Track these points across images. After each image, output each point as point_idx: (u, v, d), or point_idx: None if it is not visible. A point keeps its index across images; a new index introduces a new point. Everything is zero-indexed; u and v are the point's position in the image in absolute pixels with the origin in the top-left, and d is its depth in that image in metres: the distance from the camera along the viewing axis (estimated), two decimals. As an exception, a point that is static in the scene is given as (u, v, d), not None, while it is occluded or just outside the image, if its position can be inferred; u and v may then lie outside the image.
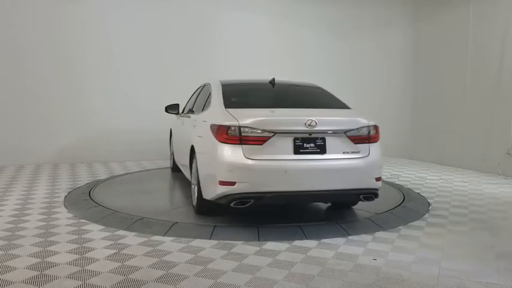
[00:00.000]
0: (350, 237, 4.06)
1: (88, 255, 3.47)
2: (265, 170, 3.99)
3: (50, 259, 3.37)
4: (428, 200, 5.63)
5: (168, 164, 7.86)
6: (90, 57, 8.44)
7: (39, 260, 3.36)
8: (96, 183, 6.30)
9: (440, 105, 9.30)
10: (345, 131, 4.23)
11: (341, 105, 4.87)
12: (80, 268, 3.20)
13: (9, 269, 3.16)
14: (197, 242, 3.83)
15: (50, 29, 8.17)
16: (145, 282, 2.98)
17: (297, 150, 4.08)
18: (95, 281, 2.97)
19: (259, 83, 5.43)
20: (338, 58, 9.89)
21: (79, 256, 3.44)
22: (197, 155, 4.62)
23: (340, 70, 9.81)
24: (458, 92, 8.76)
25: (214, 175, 4.07)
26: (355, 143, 4.25)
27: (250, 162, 3.95)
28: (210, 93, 5.10)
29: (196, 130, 4.87)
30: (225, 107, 4.44)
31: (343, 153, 4.21)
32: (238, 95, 4.96)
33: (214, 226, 4.19)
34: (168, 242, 3.83)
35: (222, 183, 3.98)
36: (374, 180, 4.30)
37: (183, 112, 6.40)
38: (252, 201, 4.01)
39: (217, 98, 4.74)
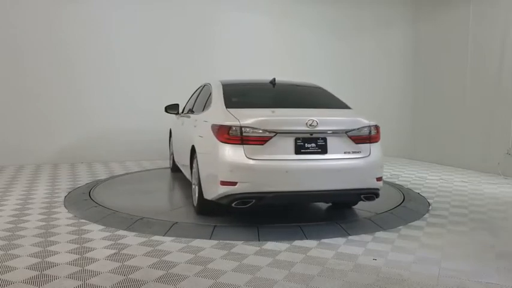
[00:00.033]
0: (350, 237, 4.06)
1: (88, 255, 3.47)
2: (266, 170, 3.99)
3: (50, 259, 3.37)
4: (428, 200, 5.63)
5: (167, 164, 7.86)
6: (90, 57, 8.44)
7: (39, 260, 3.36)
8: (96, 183, 6.30)
9: (440, 105, 9.30)
10: (346, 131, 4.23)
11: (342, 105, 4.87)
12: (80, 268, 3.20)
13: (9, 269, 3.16)
14: (197, 242, 3.83)
15: (50, 29, 8.17)
16: (145, 282, 2.98)
17: (298, 150, 4.08)
18: (95, 281, 2.97)
19: (259, 83, 5.43)
20: (338, 58, 9.89)
21: (79, 256, 3.44)
22: (198, 155, 4.62)
23: (340, 70, 9.81)
24: (458, 92, 8.76)
25: (215, 175, 4.06)
26: (356, 143, 4.26)
27: (251, 162, 3.95)
28: (210, 93, 5.09)
29: (197, 130, 4.87)
30: (226, 107, 4.44)
31: (344, 153, 4.21)
32: (239, 95, 4.96)
33: (214, 226, 4.19)
34: (168, 242, 3.82)
35: (224, 183, 3.98)
36: (375, 180, 4.30)
37: (182, 112, 6.40)
38: (254, 201, 4.01)
39: (218, 98, 4.74)
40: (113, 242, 3.79)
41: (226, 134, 4.03)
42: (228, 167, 3.97)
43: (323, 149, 4.14)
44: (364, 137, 4.31)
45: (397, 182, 6.79)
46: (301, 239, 3.97)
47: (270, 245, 3.78)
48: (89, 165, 8.17)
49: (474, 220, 4.74)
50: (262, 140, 4.01)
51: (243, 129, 4.01)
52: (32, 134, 8.16)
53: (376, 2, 10.06)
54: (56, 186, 6.17)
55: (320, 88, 5.40)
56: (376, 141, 4.40)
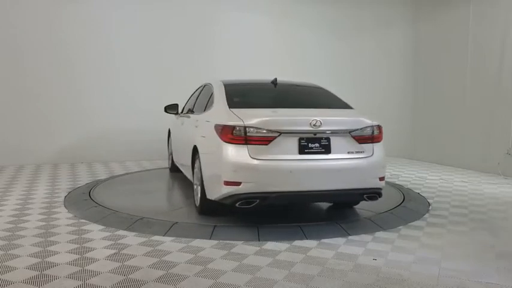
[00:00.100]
0: (350, 237, 4.06)
1: (88, 255, 3.47)
2: (270, 170, 4.00)
3: (50, 259, 3.37)
4: (428, 200, 5.63)
5: (167, 164, 7.85)
6: (90, 57, 8.44)
7: (39, 260, 3.36)
8: (96, 183, 6.30)
9: (440, 105, 9.30)
10: (350, 131, 4.24)
11: (343, 105, 4.89)
12: (80, 268, 3.20)
13: (9, 269, 3.16)
14: (197, 242, 3.83)
15: (50, 29, 8.17)
16: (145, 282, 2.98)
17: (302, 150, 4.09)
18: (95, 281, 2.97)
19: (261, 83, 5.44)
20: (338, 58, 9.89)
21: (79, 256, 3.44)
22: (201, 155, 4.62)
23: (340, 70, 9.80)
24: (458, 92, 8.76)
25: (219, 175, 4.06)
26: (360, 143, 4.27)
27: (255, 162, 3.96)
28: (212, 94, 5.09)
29: (199, 130, 4.87)
30: (229, 107, 4.45)
31: (348, 153, 4.23)
32: (241, 95, 4.96)
33: (214, 226, 4.19)
34: (168, 242, 3.82)
35: (227, 183, 3.98)
36: (378, 180, 4.32)
37: (182, 112, 6.39)
38: (258, 201, 4.01)
39: (220, 98, 4.74)
40: (113, 242, 3.79)
41: (230, 134, 4.03)
42: (232, 167, 3.97)
43: (327, 149, 4.15)
44: (367, 137, 4.32)
45: (397, 182, 6.79)
46: (301, 239, 3.97)
47: (270, 245, 3.78)
48: (89, 165, 8.17)
49: (474, 220, 4.74)
50: (266, 140, 4.02)
51: (247, 129, 4.01)
52: (32, 134, 8.16)
53: (376, 2, 10.06)
54: (56, 186, 6.17)
55: (321, 88, 5.41)
56: (379, 141, 4.42)
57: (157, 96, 8.38)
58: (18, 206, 5.02)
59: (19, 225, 4.28)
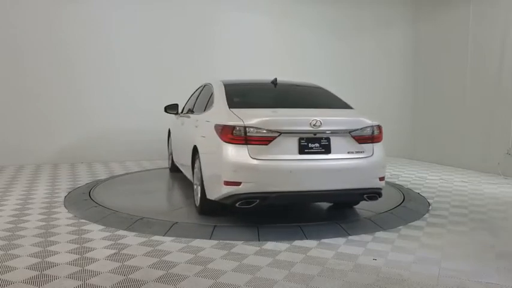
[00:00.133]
0: (350, 237, 4.06)
1: (88, 255, 3.47)
2: (270, 170, 4.00)
3: (50, 259, 3.37)
4: (428, 200, 5.63)
5: (167, 164, 7.84)
6: (90, 57, 8.44)
7: (39, 260, 3.36)
8: (96, 183, 6.30)
9: (440, 105, 9.30)
10: (350, 131, 4.25)
11: (343, 105, 4.89)
12: (80, 268, 3.20)
13: (9, 269, 3.16)
14: (197, 242, 3.83)
15: (50, 29, 8.17)
16: (145, 282, 2.98)
17: (302, 150, 4.09)
18: (95, 281, 2.97)
19: (261, 83, 5.44)
20: (338, 58, 9.89)
21: (79, 256, 3.44)
22: (201, 155, 4.62)
23: (340, 70, 9.80)
24: (458, 92, 8.76)
25: (219, 175, 4.06)
26: (360, 143, 4.27)
27: (255, 162, 3.96)
28: (212, 94, 5.09)
29: (199, 130, 4.87)
30: (229, 107, 4.45)
31: (348, 153, 4.23)
32: (241, 95, 4.96)
33: (214, 226, 4.19)
34: (168, 242, 3.82)
35: (227, 183, 3.98)
36: (378, 179, 4.32)
37: (182, 112, 6.39)
38: (258, 201, 4.01)
39: (220, 98, 4.74)
40: (113, 242, 3.79)
41: (230, 134, 4.03)
42: (232, 167, 3.97)
43: (327, 149, 4.15)
44: (367, 137, 4.32)
45: (397, 182, 6.79)
46: (301, 239, 3.97)
47: (270, 245, 3.78)
48: (89, 165, 8.17)
49: (474, 220, 4.74)
50: (266, 140, 4.02)
51: (247, 129, 4.01)
52: (32, 134, 8.16)
53: (376, 2, 10.05)
54: (56, 186, 6.17)
55: (321, 88, 5.41)
56: (379, 141, 4.42)
57: (157, 96, 8.38)
58: (18, 206, 5.02)
59: (19, 225, 4.28)
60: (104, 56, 8.51)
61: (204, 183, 4.41)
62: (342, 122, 4.34)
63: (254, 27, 9.38)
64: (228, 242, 3.85)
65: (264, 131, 4.02)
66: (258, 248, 3.70)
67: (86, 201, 5.21)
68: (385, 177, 4.49)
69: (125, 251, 3.57)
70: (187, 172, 5.66)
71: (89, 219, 4.50)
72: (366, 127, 4.34)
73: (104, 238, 3.91)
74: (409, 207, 5.14)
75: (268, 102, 4.90)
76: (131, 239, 3.89)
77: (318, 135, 4.14)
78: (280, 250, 3.67)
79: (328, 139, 4.16)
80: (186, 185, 6.10)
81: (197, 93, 6.15)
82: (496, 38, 7.88)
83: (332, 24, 9.85)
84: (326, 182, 4.14)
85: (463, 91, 8.64)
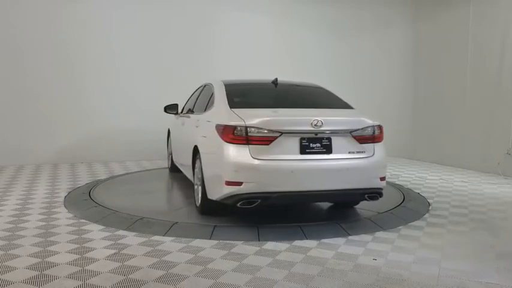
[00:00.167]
0: (350, 237, 4.06)
1: (88, 255, 3.47)
2: (272, 170, 4.00)
3: (50, 259, 3.37)
4: (428, 200, 5.63)
5: (167, 164, 7.85)
6: (90, 57, 8.44)
7: (39, 260, 3.36)
8: (96, 183, 6.30)
9: (440, 105, 9.30)
10: (351, 131, 4.25)
11: (344, 105, 4.89)
12: (80, 268, 3.20)
13: (9, 269, 3.16)
14: (197, 242, 3.83)
15: (50, 29, 8.16)
16: (145, 282, 2.98)
17: (303, 150, 4.09)
18: (95, 281, 2.97)
19: (262, 83, 5.44)
20: (338, 58, 9.89)
21: (79, 256, 3.44)
22: (202, 155, 4.61)
23: (340, 70, 9.80)
24: (458, 92, 8.76)
25: (220, 175, 4.06)
26: (361, 143, 4.28)
27: (257, 162, 3.96)
28: (212, 94, 5.09)
29: (199, 130, 4.86)
30: (230, 107, 4.45)
31: (349, 153, 4.23)
32: (242, 95, 4.96)
33: (214, 226, 4.19)
34: (168, 242, 3.82)
35: (229, 183, 3.98)
36: (379, 179, 4.33)
37: (182, 112, 6.39)
38: (259, 201, 4.01)
39: (221, 98, 4.74)
40: (113, 242, 3.79)
41: (232, 134, 4.03)
42: (233, 167, 3.97)
43: (328, 149, 4.15)
44: (368, 137, 4.33)
45: (397, 182, 6.79)
46: (301, 239, 3.97)
47: (270, 245, 3.78)
48: (89, 165, 8.17)
49: (474, 220, 4.74)
50: (267, 140, 4.02)
51: (248, 129, 4.01)
52: (32, 134, 8.16)
53: (376, 2, 10.05)
54: (56, 186, 6.17)
55: (322, 88, 5.42)
56: (380, 141, 4.43)
57: (157, 96, 8.38)
58: (18, 206, 5.02)
59: (19, 225, 4.28)
60: (104, 56, 8.51)
61: (205, 183, 4.41)
62: (343, 122, 4.34)
63: (254, 27, 9.38)
64: (228, 242, 3.85)
65: (266, 131, 4.02)
66: (258, 248, 3.70)
67: (86, 201, 5.21)
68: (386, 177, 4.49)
69: (124, 251, 3.57)
70: (187, 172, 5.66)
71: (89, 219, 4.50)
72: (367, 127, 4.34)
73: (104, 238, 3.91)
74: (409, 207, 5.14)
75: (269, 102, 4.91)
76: (131, 239, 3.89)
77: (319, 135, 4.14)
78: (280, 250, 3.67)
79: (329, 139, 4.17)
80: (186, 185, 6.10)
81: (197, 93, 6.14)
82: (496, 38, 7.88)
83: (332, 24, 9.85)
84: (327, 182, 4.14)
85: (463, 91, 8.64)
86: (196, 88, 6.42)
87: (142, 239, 3.89)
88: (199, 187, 4.64)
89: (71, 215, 4.67)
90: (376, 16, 10.09)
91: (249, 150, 3.99)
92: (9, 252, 3.51)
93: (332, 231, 4.16)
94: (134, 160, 8.73)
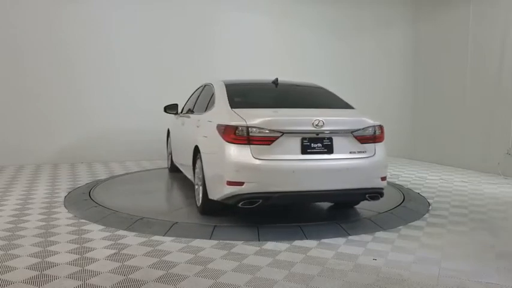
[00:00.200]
0: (350, 237, 4.06)
1: (88, 255, 3.47)
2: (273, 170, 4.00)
3: (50, 259, 3.37)
4: (428, 200, 5.63)
5: (166, 164, 7.85)
6: (90, 57, 8.44)
7: (39, 260, 3.36)
8: (96, 183, 6.30)
9: (440, 105, 9.30)
10: (352, 131, 4.25)
11: (345, 105, 4.89)
12: (80, 268, 3.20)
13: (9, 269, 3.16)
14: (197, 242, 3.83)
15: (50, 29, 8.16)
16: (145, 282, 2.98)
17: (305, 150, 4.09)
18: (95, 281, 2.97)
19: (262, 83, 5.44)
20: (338, 58, 9.89)
21: (79, 256, 3.44)
22: (202, 155, 4.61)
23: (340, 70, 9.81)
24: (458, 92, 8.76)
25: (221, 175, 4.06)
26: (362, 143, 4.28)
27: (258, 162, 3.96)
28: (213, 94, 5.09)
29: (200, 130, 4.86)
30: (231, 107, 4.45)
31: (350, 153, 4.23)
32: (243, 95, 4.96)
33: (214, 226, 4.19)
34: (168, 242, 3.82)
35: (230, 183, 3.98)
36: (380, 179, 4.33)
37: (182, 112, 6.39)
38: (260, 201, 4.01)
39: (221, 98, 4.74)
40: (113, 242, 3.79)
41: (233, 134, 4.03)
42: (234, 167, 3.97)
43: (329, 149, 4.15)
44: (369, 137, 4.33)
45: (397, 182, 6.79)
46: (301, 239, 3.97)
47: (270, 245, 3.78)
48: (89, 165, 8.17)
49: (474, 220, 4.74)
50: (269, 140, 4.02)
51: (249, 129, 4.01)
52: (32, 134, 8.16)
53: (376, 2, 10.06)
54: (56, 186, 6.17)
55: (322, 88, 5.42)
56: (381, 141, 4.43)
57: (157, 96, 8.38)
58: (18, 206, 5.02)
59: (19, 225, 4.28)
60: (104, 56, 8.51)
61: (206, 183, 4.41)
62: (344, 122, 4.34)
63: (254, 27, 9.38)
64: (228, 242, 3.85)
65: (267, 131, 4.02)
66: (258, 248, 3.70)
67: (86, 201, 5.21)
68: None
69: (125, 251, 3.57)
70: (187, 172, 5.65)
71: (89, 219, 4.50)
72: (368, 127, 4.34)
73: (104, 238, 3.91)
74: (409, 207, 5.14)
75: (269, 102, 4.91)
76: (131, 239, 3.89)
77: (320, 135, 4.14)
78: (280, 250, 3.67)
79: (330, 139, 4.17)
80: (186, 185, 6.10)
81: (197, 93, 6.14)
82: (496, 38, 7.88)
83: (332, 24, 9.85)
84: (329, 182, 4.14)
85: (463, 91, 8.64)
86: (196, 88, 6.42)
87: (142, 239, 3.89)
88: (200, 187, 4.64)
89: (71, 215, 4.67)
90: (376, 16, 10.09)
91: (251, 150, 3.99)
92: (9, 252, 3.51)
93: (332, 231, 4.16)
94: (134, 160, 8.73)
